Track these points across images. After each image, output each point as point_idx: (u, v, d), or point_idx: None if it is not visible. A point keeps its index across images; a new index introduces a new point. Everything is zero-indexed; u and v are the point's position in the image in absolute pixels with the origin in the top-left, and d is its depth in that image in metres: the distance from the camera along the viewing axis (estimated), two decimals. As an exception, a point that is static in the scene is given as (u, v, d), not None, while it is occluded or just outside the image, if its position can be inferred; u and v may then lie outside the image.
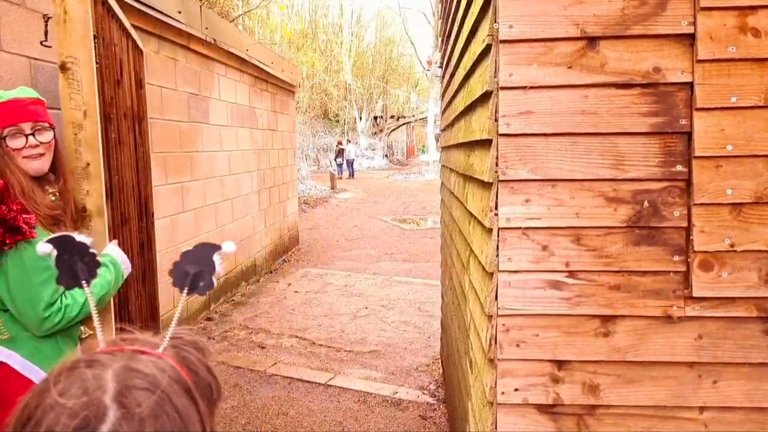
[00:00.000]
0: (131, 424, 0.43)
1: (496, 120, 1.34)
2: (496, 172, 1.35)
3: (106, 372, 0.46)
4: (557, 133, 1.32)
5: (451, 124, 2.85)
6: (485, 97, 1.44)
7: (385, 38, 37.57)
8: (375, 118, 42.00)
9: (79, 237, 0.66)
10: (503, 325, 1.37)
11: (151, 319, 3.66)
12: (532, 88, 1.32)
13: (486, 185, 1.46)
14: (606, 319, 1.35)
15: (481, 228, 1.53)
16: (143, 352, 0.50)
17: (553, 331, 1.36)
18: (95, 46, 2.07)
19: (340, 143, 28.19)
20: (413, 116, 43.91)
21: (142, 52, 3.81)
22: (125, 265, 1.95)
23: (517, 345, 1.37)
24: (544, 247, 1.35)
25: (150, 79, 4.47)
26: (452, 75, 2.71)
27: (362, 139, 39.64)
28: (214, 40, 5.51)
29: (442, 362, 4.03)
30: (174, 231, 4.88)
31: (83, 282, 0.65)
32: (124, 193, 2.73)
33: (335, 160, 27.66)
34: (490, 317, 1.38)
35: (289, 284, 6.93)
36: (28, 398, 0.46)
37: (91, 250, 0.66)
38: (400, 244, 9.84)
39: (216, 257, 0.69)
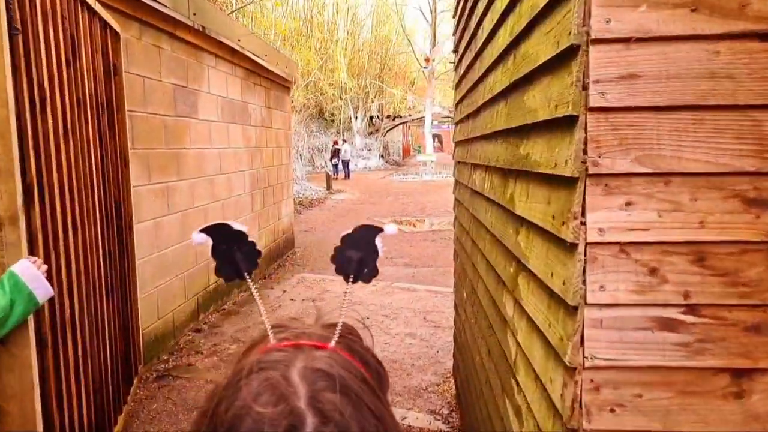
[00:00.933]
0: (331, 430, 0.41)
1: (585, 88, 0.93)
2: (584, 162, 0.93)
3: (292, 374, 0.44)
4: (674, 105, 0.92)
5: (475, 113, 2.43)
6: (561, 59, 1.03)
7: (381, 36, 37.15)
8: (371, 117, 41.56)
9: (236, 225, 0.61)
10: (591, 381, 0.96)
11: (122, 336, 3.22)
12: (638, 40, 0.91)
13: (560, 182, 1.04)
14: (740, 373, 0.95)
15: (548, 241, 1.12)
16: (317, 347, 0.48)
17: (663, 391, 0.95)
18: (10, 9, 1.65)
19: (336, 143, 27.75)
20: (409, 116, 43.48)
21: (117, 34, 3.37)
22: (39, 289, 1.53)
23: (612, 410, 0.96)
24: (653, 271, 0.94)
25: (130, 68, 4.04)
26: (477, 55, 2.29)
27: (358, 139, 39.18)
28: (203, 27, 5.07)
29: (456, 383, 3.62)
30: (158, 235, 4.44)
31: (246, 274, 0.60)
32: (73, 195, 2.29)
33: (331, 160, 27.22)
34: (571, 370, 0.97)
35: (284, 291, 6.50)
36: (214, 402, 0.44)
37: (250, 239, 0.62)
38: (401, 248, 9.43)
39: (378, 241, 0.63)
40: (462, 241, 3.04)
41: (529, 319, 1.28)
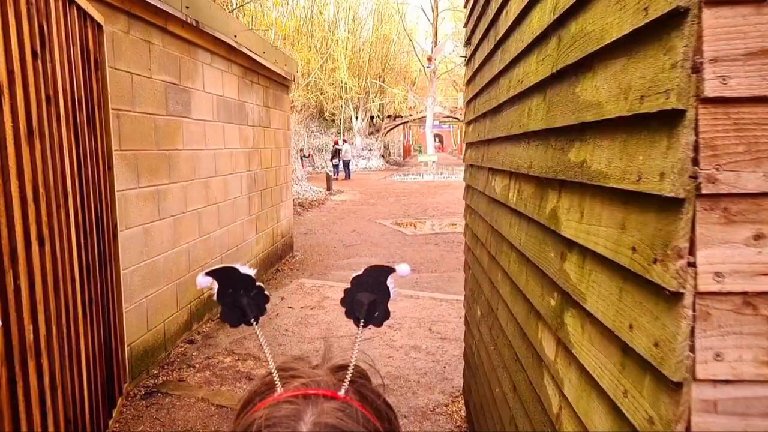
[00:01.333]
0: None
1: (696, 70, 0.65)
2: (694, 177, 0.66)
3: (301, 428, 0.42)
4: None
5: (495, 111, 2.15)
6: (651, 32, 0.75)
7: (381, 36, 36.86)
8: (371, 117, 41.28)
9: (243, 269, 0.59)
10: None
11: (103, 355, 2.94)
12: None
13: (646, 202, 0.77)
14: None
15: (623, 280, 0.84)
16: (328, 396, 0.46)
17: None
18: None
19: (336, 143, 27.46)
20: (410, 115, 43.21)
21: (99, 26, 3.10)
22: None
23: None
24: (791, 332, 0.66)
25: (117, 64, 3.76)
26: (498, 44, 2.01)
27: (358, 139, 38.90)
28: (197, 22, 4.79)
29: (467, 406, 3.33)
30: (148, 242, 4.17)
31: (252, 320, 0.59)
32: (39, 204, 2.02)
33: (331, 160, 26.93)
34: (670, 467, 0.69)
35: (282, 298, 6.22)
36: None
37: (258, 284, 0.60)
38: (403, 251, 9.14)
39: (390, 282, 0.61)
40: (476, 254, 2.75)
41: (585, 374, 1.00)
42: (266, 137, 7.24)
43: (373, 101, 38.83)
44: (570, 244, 1.11)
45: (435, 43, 26.92)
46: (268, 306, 0.61)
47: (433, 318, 5.50)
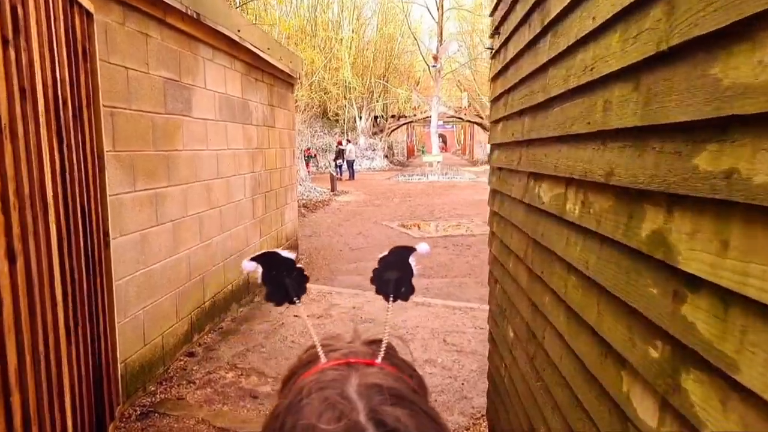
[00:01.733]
0: None
1: None
2: None
3: (349, 391, 0.46)
4: None
5: (541, 107, 1.86)
6: None
7: (386, 35, 36.56)
8: (375, 117, 40.98)
9: (284, 253, 0.65)
10: None
11: (91, 377, 2.65)
12: None
13: None
14: None
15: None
16: (367, 363, 0.51)
17: None
18: None
19: (340, 143, 27.20)
20: (414, 115, 42.87)
21: (89, 14, 2.81)
22: None
23: None
24: None
25: (111, 58, 3.48)
26: (547, 28, 1.72)
27: (362, 139, 38.62)
28: (198, 14, 4.51)
29: (491, 429, 3.04)
30: (144, 250, 3.88)
31: (294, 298, 0.65)
32: (9, 215, 1.73)
33: (335, 161, 26.65)
34: None
35: (287, 306, 5.93)
36: (278, 423, 0.46)
37: (298, 266, 0.65)
38: (411, 255, 8.87)
39: (412, 260, 0.68)
40: (508, 267, 2.46)
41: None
42: (271, 137, 6.96)
43: (377, 101, 38.54)
44: (695, 283, 0.82)
45: (440, 42, 26.63)
46: (299, 297, 0.63)
47: (447, 328, 5.21)
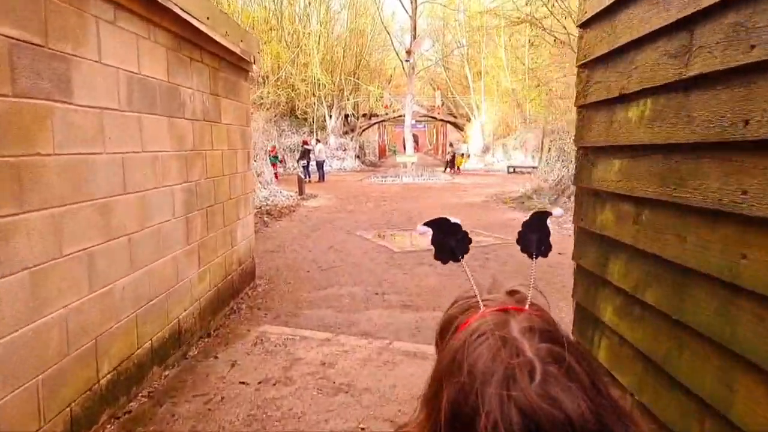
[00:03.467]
0: (562, 372, 0.50)
1: None
2: None
3: (513, 331, 0.54)
4: None
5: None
6: None
7: (356, 30, 35.02)
8: (346, 116, 39.41)
9: (452, 219, 0.76)
10: None
11: None
12: None
13: None
14: None
15: None
16: (520, 310, 0.59)
17: None
18: None
19: (306, 143, 25.56)
20: (386, 114, 41.44)
21: None
22: None
23: None
24: None
25: None
26: None
27: (332, 138, 37.00)
28: (79, -54, 2.94)
29: None
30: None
31: (460, 258, 0.76)
32: None
33: (298, 161, 24.99)
34: None
35: (233, 364, 4.37)
36: (457, 355, 0.54)
37: (464, 230, 0.76)
38: (393, 276, 7.39)
39: (549, 222, 0.78)
40: (632, 313, 0.99)
41: None
42: (215, 136, 5.39)
43: (348, 99, 36.96)
44: None
45: (414, 37, 25.25)
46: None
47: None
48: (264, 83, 29.42)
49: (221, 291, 5.58)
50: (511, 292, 0.65)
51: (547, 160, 16.29)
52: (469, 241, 0.76)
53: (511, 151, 32.75)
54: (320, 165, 25.72)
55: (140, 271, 3.79)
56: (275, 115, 35.23)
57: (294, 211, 14.56)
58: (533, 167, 22.31)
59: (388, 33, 29.71)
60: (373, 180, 24.76)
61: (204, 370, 4.26)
